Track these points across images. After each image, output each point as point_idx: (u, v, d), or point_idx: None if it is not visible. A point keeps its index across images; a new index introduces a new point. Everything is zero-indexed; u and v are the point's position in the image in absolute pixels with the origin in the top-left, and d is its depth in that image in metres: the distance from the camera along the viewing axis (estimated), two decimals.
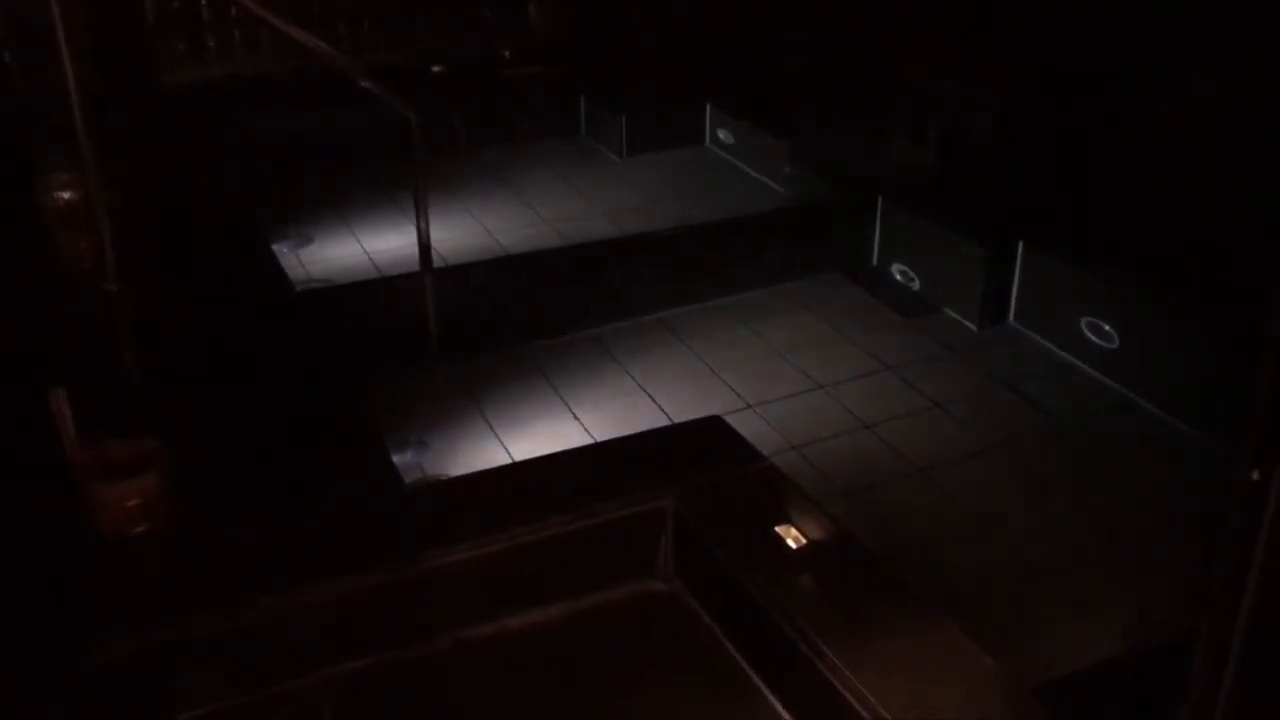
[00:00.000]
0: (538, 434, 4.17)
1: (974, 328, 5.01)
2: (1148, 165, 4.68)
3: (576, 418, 4.29)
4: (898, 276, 5.36)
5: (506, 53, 7.39)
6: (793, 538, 3.05)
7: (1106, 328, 4.53)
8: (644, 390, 4.49)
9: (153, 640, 2.67)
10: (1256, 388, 1.61)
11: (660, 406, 4.37)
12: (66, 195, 4.35)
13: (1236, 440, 1.69)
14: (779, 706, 2.84)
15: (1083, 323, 4.62)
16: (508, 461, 3.95)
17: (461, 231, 5.77)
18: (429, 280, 3.97)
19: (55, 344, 3.85)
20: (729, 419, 3.74)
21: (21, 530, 3.04)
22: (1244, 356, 1.70)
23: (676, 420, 4.20)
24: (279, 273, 4.90)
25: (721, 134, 6.87)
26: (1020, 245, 4.93)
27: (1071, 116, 4.99)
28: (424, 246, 3.94)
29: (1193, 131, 4.51)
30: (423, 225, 3.91)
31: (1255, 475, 1.59)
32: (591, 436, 4.16)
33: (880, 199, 5.45)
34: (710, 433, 3.62)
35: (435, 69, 7.07)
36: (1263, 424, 1.61)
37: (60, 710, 2.59)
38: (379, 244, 5.59)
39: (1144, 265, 4.58)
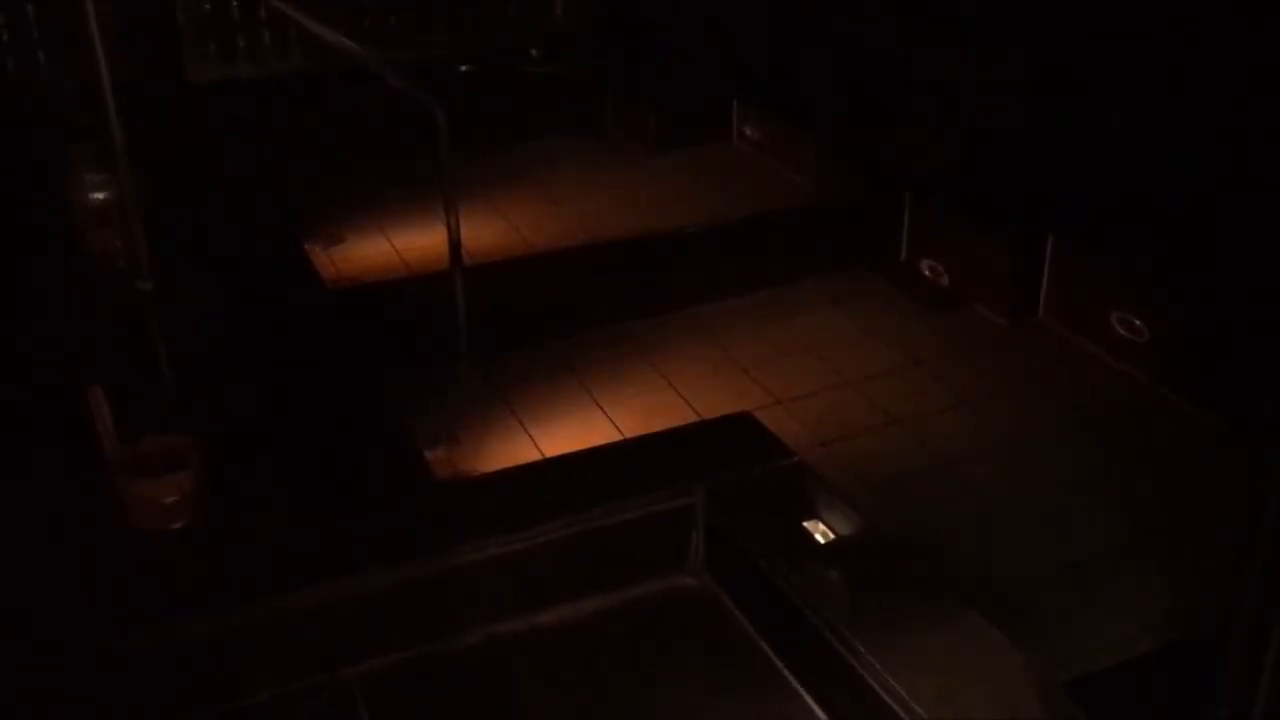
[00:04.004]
0: (568, 430, 4.19)
1: (1003, 322, 4.98)
2: (1179, 158, 4.64)
3: (606, 414, 4.31)
4: (926, 272, 5.34)
5: (533, 50, 7.42)
6: (821, 533, 3.06)
7: (1137, 322, 4.50)
8: (673, 386, 4.49)
9: (186, 634, 2.71)
10: None
11: (689, 403, 4.38)
12: (100, 196, 4.40)
13: (1275, 437, 1.68)
14: (809, 700, 2.86)
15: (1113, 317, 4.59)
16: (538, 458, 3.97)
17: (490, 229, 5.80)
18: (459, 278, 3.99)
19: (90, 342, 3.91)
20: (757, 415, 3.76)
21: (58, 525, 3.08)
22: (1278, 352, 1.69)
23: (705, 416, 4.21)
24: (311, 271, 4.95)
25: (748, 130, 6.86)
26: (1050, 239, 4.90)
27: (1102, 108, 4.96)
28: (454, 244, 3.96)
29: (1227, 121, 4.47)
30: (452, 223, 3.93)
31: None
32: (621, 433, 4.17)
33: (908, 194, 5.44)
34: (739, 429, 3.64)
35: (463, 67, 7.12)
36: None
37: (95, 698, 2.63)
38: (409, 242, 5.62)
39: (1175, 259, 4.54)
